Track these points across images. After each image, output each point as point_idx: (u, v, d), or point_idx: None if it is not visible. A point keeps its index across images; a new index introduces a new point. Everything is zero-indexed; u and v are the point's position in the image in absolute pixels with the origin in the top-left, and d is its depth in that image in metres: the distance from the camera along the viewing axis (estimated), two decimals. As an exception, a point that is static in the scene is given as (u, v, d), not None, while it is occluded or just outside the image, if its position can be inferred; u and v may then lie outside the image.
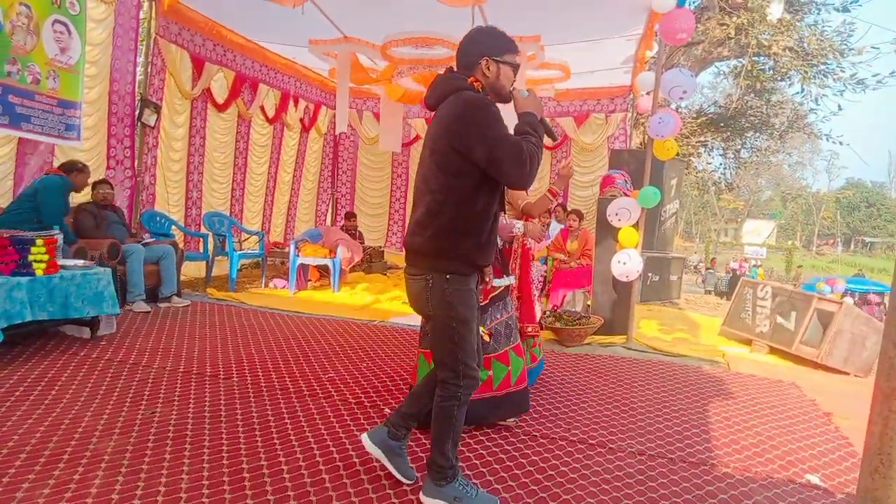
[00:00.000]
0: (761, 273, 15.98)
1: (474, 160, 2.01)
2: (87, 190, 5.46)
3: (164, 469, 2.38)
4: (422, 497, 2.23)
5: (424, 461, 2.41)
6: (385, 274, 8.96)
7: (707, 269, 17.07)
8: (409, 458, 2.45)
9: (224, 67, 7.66)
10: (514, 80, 2.19)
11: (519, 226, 3.29)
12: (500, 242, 3.16)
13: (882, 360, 0.78)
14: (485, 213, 2.12)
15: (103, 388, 3.31)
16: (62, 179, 4.92)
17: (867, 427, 0.83)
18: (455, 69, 2.22)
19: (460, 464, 2.40)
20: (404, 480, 2.35)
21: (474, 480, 2.43)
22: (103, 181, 5.62)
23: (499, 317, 3.08)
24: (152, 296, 5.55)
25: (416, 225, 2.17)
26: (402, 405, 2.43)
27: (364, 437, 2.39)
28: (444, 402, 2.19)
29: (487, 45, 2.15)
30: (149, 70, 6.61)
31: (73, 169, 5.04)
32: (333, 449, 2.67)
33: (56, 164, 5.50)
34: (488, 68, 2.13)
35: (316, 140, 10.20)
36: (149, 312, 5.31)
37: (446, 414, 2.19)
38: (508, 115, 2.09)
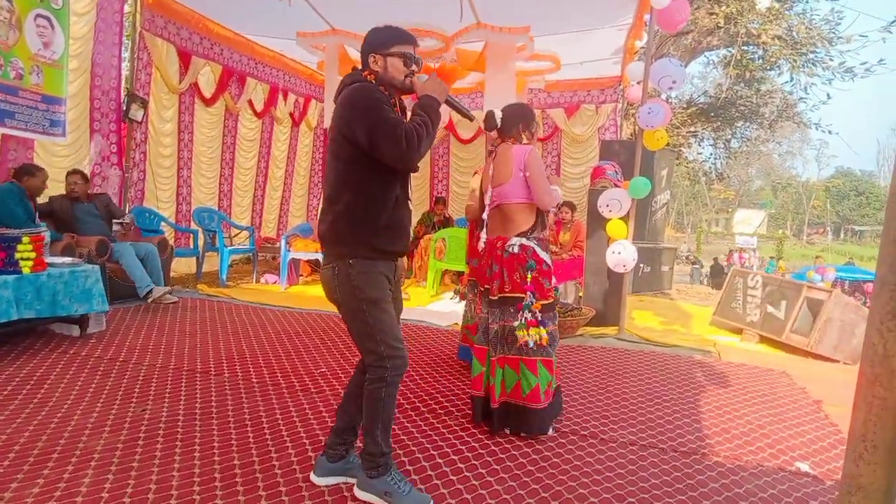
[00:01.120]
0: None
1: (359, 144, 2.05)
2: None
3: (155, 466, 2.37)
4: (355, 490, 2.23)
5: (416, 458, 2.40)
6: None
7: (693, 264, 17.05)
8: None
9: (211, 61, 7.59)
10: (410, 69, 2.20)
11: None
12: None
13: (866, 346, 0.79)
14: (380, 198, 2.13)
15: (93, 386, 3.28)
16: (10, 185, 4.68)
17: (851, 413, 0.83)
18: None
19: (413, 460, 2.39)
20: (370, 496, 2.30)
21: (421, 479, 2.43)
22: (72, 172, 5.40)
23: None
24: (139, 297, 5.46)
25: (319, 214, 2.24)
26: (334, 425, 2.38)
27: (312, 477, 2.31)
28: (371, 384, 2.18)
29: (373, 42, 2.21)
30: (135, 64, 6.54)
31: (24, 174, 4.82)
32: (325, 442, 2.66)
33: (35, 159, 5.44)
34: (376, 63, 2.18)
35: (306, 134, 10.14)
36: (176, 301, 5.45)
37: (374, 397, 2.18)
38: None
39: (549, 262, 3.00)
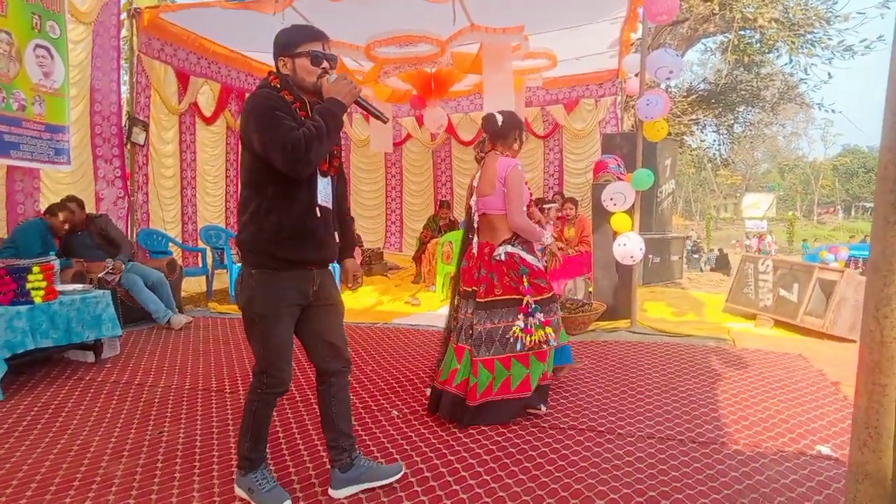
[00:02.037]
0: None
1: (255, 151, 2.03)
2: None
3: (175, 489, 2.38)
4: (235, 486, 2.30)
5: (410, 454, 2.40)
6: (386, 275, 8.96)
7: (694, 253, 16.86)
8: (374, 461, 2.45)
9: (210, 80, 7.65)
10: (320, 67, 2.12)
11: (547, 236, 3.27)
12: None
13: (863, 333, 0.78)
14: (279, 205, 2.08)
15: (110, 411, 3.31)
16: (36, 221, 5.04)
17: (854, 401, 0.83)
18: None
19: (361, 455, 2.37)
20: (393, 480, 2.36)
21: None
22: (68, 199, 5.27)
23: (494, 322, 3.06)
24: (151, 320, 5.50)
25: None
26: (326, 441, 2.39)
27: (330, 492, 2.31)
28: (249, 394, 2.22)
29: (280, 44, 2.16)
30: (134, 88, 6.60)
31: (47, 212, 5.11)
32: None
33: (42, 188, 5.52)
34: (285, 66, 2.14)
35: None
36: (190, 321, 5.48)
37: (248, 408, 2.22)
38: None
39: (537, 263, 3.14)
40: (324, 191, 2.21)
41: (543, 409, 3.14)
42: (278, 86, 2.12)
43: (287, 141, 1.94)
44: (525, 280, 3.02)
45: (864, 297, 0.80)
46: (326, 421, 2.35)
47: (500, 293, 3.04)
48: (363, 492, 2.30)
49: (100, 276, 5.05)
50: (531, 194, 3.44)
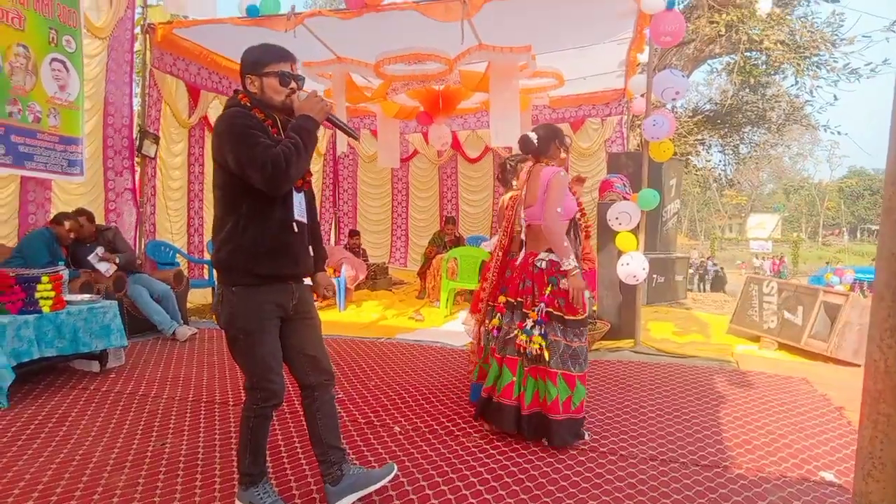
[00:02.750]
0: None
1: (230, 169, 2.04)
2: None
3: (176, 500, 2.39)
4: (235, 501, 2.30)
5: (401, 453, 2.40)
6: (391, 290, 8.97)
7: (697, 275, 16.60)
8: (365, 467, 2.47)
9: (220, 94, 7.73)
10: (288, 86, 2.15)
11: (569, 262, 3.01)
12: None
13: (868, 363, 0.79)
14: (259, 223, 2.11)
15: (113, 421, 3.32)
16: (43, 230, 5.04)
17: (858, 431, 0.83)
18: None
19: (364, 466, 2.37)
20: (385, 482, 2.36)
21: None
22: (78, 212, 5.32)
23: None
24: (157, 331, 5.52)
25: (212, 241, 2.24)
26: (315, 455, 2.39)
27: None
28: (244, 410, 2.23)
29: (247, 62, 2.18)
30: (146, 101, 6.68)
31: (53, 221, 5.15)
32: (344, 471, 2.66)
33: (53, 199, 5.57)
34: (253, 84, 2.16)
35: (315, 161, 10.25)
36: (195, 333, 5.51)
37: (244, 424, 2.22)
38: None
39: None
40: (299, 206, 2.24)
41: (587, 436, 3.12)
42: (248, 104, 2.15)
43: (266, 158, 1.96)
44: (548, 289, 3.00)
45: (869, 326, 0.81)
46: (314, 436, 2.35)
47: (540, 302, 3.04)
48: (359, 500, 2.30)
49: (88, 257, 5.11)
50: (581, 206, 3.30)
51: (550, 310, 3.01)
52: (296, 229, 2.20)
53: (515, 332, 3.08)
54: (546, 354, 2.97)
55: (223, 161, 2.06)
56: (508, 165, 4.25)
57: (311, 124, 2.11)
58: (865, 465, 0.82)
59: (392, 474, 2.38)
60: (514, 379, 3.04)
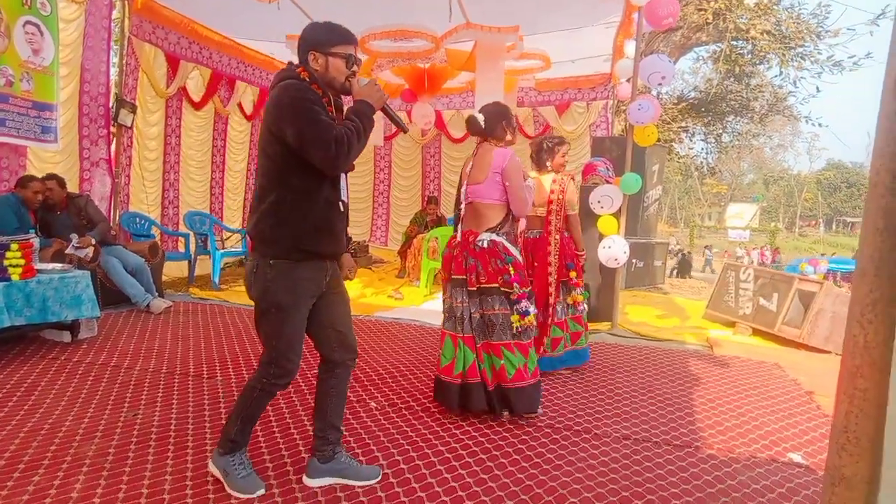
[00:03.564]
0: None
1: (287, 143, 2.02)
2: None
3: (147, 471, 2.36)
4: (209, 463, 2.30)
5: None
6: (370, 268, 8.93)
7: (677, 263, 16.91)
8: (356, 460, 2.43)
9: (200, 65, 7.56)
10: (351, 71, 2.16)
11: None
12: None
13: (847, 337, 0.79)
14: (307, 198, 2.10)
15: (84, 391, 3.27)
16: (8, 196, 4.84)
17: (834, 405, 0.84)
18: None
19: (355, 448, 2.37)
20: (371, 483, 2.32)
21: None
22: (48, 177, 5.13)
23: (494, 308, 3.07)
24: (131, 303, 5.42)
25: (249, 211, 2.21)
26: (314, 429, 2.38)
27: (305, 480, 2.31)
28: (253, 381, 2.19)
29: (314, 39, 2.14)
30: (123, 70, 6.51)
31: (18, 184, 4.94)
32: (319, 445, 2.65)
33: (28, 167, 5.41)
34: (316, 61, 2.13)
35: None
36: (170, 306, 5.44)
37: (248, 395, 2.20)
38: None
39: (518, 256, 3.15)
40: (343, 187, 2.25)
41: (539, 411, 3.16)
42: (307, 79, 2.12)
43: (330, 138, 1.96)
44: (511, 269, 3.03)
45: (850, 301, 0.81)
46: (319, 411, 2.34)
47: (486, 280, 3.03)
48: (342, 489, 2.28)
49: (65, 252, 4.85)
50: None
51: (496, 285, 3.03)
52: (341, 209, 2.22)
53: (473, 311, 3.07)
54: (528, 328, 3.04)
55: (279, 133, 2.02)
56: (546, 146, 4.16)
57: (371, 110, 2.14)
58: (840, 440, 0.82)
59: (377, 478, 2.35)
60: (476, 358, 3.05)
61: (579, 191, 6.14)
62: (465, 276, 3.09)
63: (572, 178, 4.09)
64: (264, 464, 2.46)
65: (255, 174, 7.65)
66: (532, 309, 3.05)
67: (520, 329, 3.02)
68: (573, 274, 3.95)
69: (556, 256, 3.93)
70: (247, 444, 2.29)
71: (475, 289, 3.05)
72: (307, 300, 2.18)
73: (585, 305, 4.13)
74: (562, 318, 3.97)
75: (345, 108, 2.22)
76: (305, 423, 2.93)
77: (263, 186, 2.12)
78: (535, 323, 3.11)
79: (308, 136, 1.97)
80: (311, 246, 2.12)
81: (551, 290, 3.91)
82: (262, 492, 2.19)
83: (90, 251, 4.99)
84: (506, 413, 3.06)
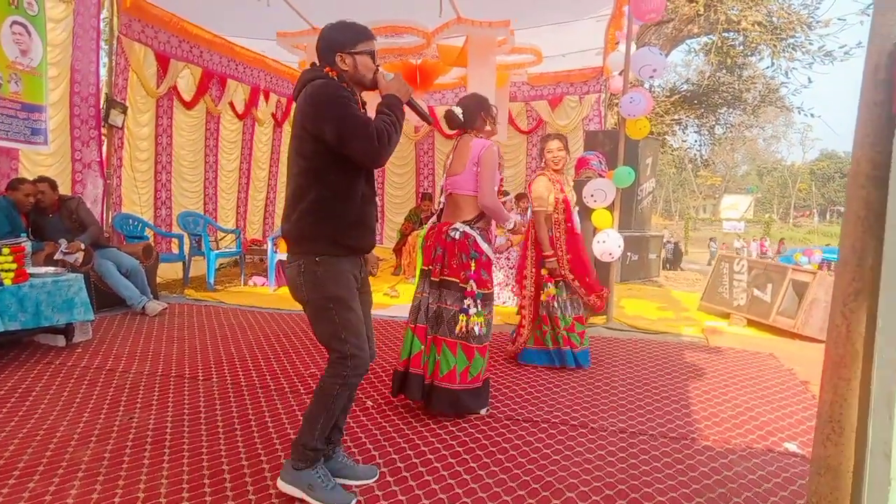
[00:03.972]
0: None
1: (326, 141, 2.03)
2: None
3: (143, 475, 2.35)
4: (279, 483, 2.20)
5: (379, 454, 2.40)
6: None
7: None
8: (353, 460, 2.42)
9: (190, 64, 7.52)
10: (376, 65, 2.20)
11: (512, 220, 3.35)
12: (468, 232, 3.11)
13: (830, 327, 0.79)
14: (345, 195, 2.12)
15: (79, 395, 3.25)
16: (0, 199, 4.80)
17: (819, 396, 0.84)
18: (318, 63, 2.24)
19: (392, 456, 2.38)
20: (368, 483, 2.32)
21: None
22: (39, 179, 5.09)
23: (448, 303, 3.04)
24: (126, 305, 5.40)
25: (284, 211, 2.21)
26: None
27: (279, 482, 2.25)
28: (329, 378, 2.16)
29: (338, 40, 2.16)
30: (113, 70, 6.47)
31: (9, 187, 4.90)
32: (315, 444, 2.65)
33: (21, 170, 5.38)
34: (344, 62, 2.15)
35: (290, 134, 10.05)
36: (165, 308, 5.40)
37: (326, 392, 2.16)
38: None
39: (489, 254, 3.12)
40: (375, 181, 2.29)
41: (484, 412, 3.13)
42: (336, 78, 2.14)
43: (372, 132, 1.99)
44: (473, 264, 3.00)
45: (833, 291, 0.81)
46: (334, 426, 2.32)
47: (448, 273, 3.01)
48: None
49: (55, 257, 4.79)
50: (501, 179, 3.46)
51: (456, 280, 3.00)
52: (376, 202, 2.28)
53: (431, 302, 3.05)
54: (476, 329, 2.98)
55: (317, 131, 2.04)
56: (539, 147, 4.26)
57: (400, 103, 2.16)
58: (825, 429, 0.82)
59: (374, 478, 2.35)
60: (423, 348, 3.03)
61: (572, 185, 6.14)
62: (430, 267, 3.08)
63: (544, 173, 4.07)
64: (261, 465, 2.46)
65: (246, 174, 7.63)
66: (472, 310, 2.97)
67: (465, 329, 2.96)
68: (544, 271, 4.00)
69: (533, 252, 4.04)
70: (326, 452, 2.27)
71: (437, 280, 3.03)
72: (355, 292, 2.20)
73: (568, 305, 4.07)
74: (542, 313, 4.03)
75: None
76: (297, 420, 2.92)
77: (301, 186, 2.12)
78: (484, 327, 3.02)
79: (349, 132, 2.00)
80: (351, 241, 2.16)
81: (525, 282, 4.01)
82: (355, 501, 2.18)
83: (80, 256, 4.92)
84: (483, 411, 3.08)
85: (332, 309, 2.12)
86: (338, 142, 2.01)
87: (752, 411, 3.24)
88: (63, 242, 4.90)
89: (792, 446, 2.77)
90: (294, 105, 2.20)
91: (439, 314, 3.02)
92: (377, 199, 2.28)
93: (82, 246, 5.00)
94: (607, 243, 5.09)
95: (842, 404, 0.78)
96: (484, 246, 3.06)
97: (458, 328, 2.97)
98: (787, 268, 5.53)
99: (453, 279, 3.00)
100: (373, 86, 2.20)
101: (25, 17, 5.23)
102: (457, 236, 3.02)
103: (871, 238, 0.73)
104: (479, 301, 2.99)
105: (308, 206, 2.10)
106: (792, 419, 3.14)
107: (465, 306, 2.97)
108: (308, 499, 2.14)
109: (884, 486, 0.70)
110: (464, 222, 3.06)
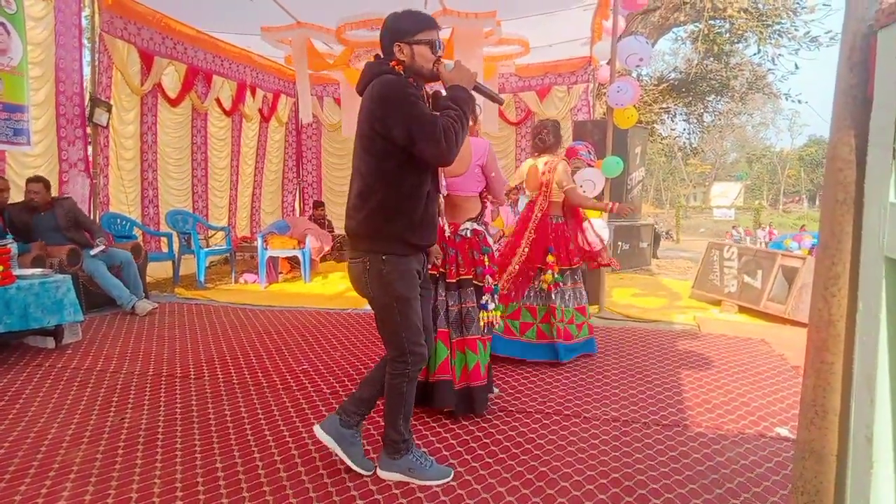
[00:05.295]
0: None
1: (394, 140, 2.03)
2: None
3: (136, 475, 2.34)
4: (378, 471, 2.30)
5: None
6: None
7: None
8: (363, 449, 2.42)
9: (175, 61, 7.44)
10: (436, 55, 2.15)
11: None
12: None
13: (812, 312, 0.79)
14: (414, 193, 2.13)
15: (70, 397, 3.23)
16: None
17: (802, 380, 0.84)
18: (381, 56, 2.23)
19: (421, 443, 2.39)
20: (361, 471, 2.32)
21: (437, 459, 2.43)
22: (32, 179, 5.11)
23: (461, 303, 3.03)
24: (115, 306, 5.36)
25: (350, 209, 2.21)
26: (355, 391, 2.43)
27: (316, 428, 2.37)
28: (393, 379, 2.23)
29: (397, 29, 2.14)
30: (96, 68, 6.40)
31: None
32: (308, 441, 2.65)
33: (7, 171, 5.32)
34: (402, 52, 2.13)
35: (277, 129, 10.01)
36: (155, 307, 5.39)
37: (396, 391, 2.24)
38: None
39: (495, 247, 3.23)
40: (438, 179, 2.30)
41: (495, 391, 3.25)
42: (402, 73, 2.12)
43: (439, 131, 1.98)
44: (486, 259, 3.02)
45: (814, 275, 0.82)
46: (374, 382, 2.37)
47: (465, 272, 2.99)
48: (333, 484, 2.28)
49: (92, 254, 5.16)
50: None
51: (470, 276, 3.00)
52: (441, 200, 2.31)
53: (451, 305, 3.01)
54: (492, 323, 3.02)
55: (385, 130, 2.03)
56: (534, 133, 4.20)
57: (466, 94, 2.13)
58: (808, 414, 0.83)
59: (370, 472, 2.34)
60: (449, 353, 2.97)
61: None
62: (443, 269, 3.03)
63: (564, 159, 4.11)
64: (254, 462, 2.45)
65: (236, 170, 7.56)
66: (491, 305, 3.00)
67: (488, 324, 3.00)
68: (550, 258, 3.92)
69: (532, 234, 3.99)
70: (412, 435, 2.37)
71: (454, 281, 2.99)
72: (418, 290, 2.24)
73: (572, 293, 4.08)
74: (533, 304, 3.98)
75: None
76: (296, 421, 2.92)
77: (369, 184, 2.11)
78: (498, 319, 3.07)
79: (417, 132, 1.99)
80: (418, 239, 2.17)
81: (514, 267, 3.94)
82: (452, 473, 2.31)
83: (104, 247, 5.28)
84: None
85: (396, 307, 2.16)
86: (407, 142, 2.01)
87: (743, 397, 3.26)
88: (101, 242, 5.29)
89: (783, 431, 2.79)
90: (361, 100, 2.15)
91: (464, 315, 2.99)
92: (439, 195, 2.28)
93: (105, 242, 5.32)
94: (588, 232, 5.09)
95: (825, 388, 0.79)
96: (490, 240, 3.13)
97: (483, 325, 3.00)
98: (777, 254, 5.56)
99: (468, 277, 3.01)
100: (433, 77, 2.16)
101: (3, 16, 5.15)
102: (468, 235, 3.04)
103: (849, 221, 0.74)
104: (495, 295, 3.04)
105: (377, 205, 2.10)
106: (783, 404, 3.16)
107: (485, 302, 2.99)
108: (411, 480, 2.25)
109: (866, 470, 0.71)
110: (470, 220, 3.07)
